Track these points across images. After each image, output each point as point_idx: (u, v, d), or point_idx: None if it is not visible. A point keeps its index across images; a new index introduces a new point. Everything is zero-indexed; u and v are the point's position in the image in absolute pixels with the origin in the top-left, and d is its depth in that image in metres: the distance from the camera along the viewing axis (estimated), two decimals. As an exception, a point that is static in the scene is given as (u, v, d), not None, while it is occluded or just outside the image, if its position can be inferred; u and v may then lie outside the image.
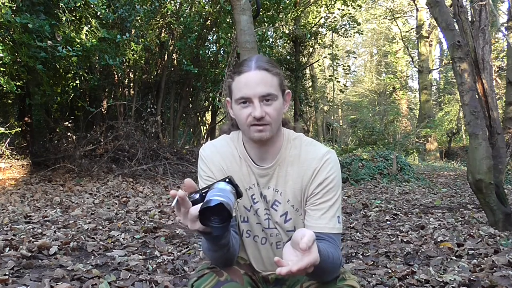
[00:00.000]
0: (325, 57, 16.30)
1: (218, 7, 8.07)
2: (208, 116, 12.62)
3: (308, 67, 14.53)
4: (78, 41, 5.77)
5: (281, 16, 9.62)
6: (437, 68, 21.42)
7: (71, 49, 5.46)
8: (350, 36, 12.89)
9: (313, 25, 12.37)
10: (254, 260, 1.27)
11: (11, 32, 5.29)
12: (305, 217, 1.17)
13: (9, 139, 6.48)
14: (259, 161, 1.19)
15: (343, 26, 12.31)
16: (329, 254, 1.02)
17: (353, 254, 2.87)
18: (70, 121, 7.73)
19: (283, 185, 1.18)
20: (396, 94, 20.67)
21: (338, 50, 14.89)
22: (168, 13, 8.06)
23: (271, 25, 9.09)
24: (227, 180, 0.94)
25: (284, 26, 10.60)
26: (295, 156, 1.18)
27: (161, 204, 4.87)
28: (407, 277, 2.28)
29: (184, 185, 0.94)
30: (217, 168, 1.20)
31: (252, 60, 1.12)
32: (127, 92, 8.78)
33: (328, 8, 11.70)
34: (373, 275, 2.34)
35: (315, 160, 1.15)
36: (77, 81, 6.78)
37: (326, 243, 1.08)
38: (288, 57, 12.42)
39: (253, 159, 1.20)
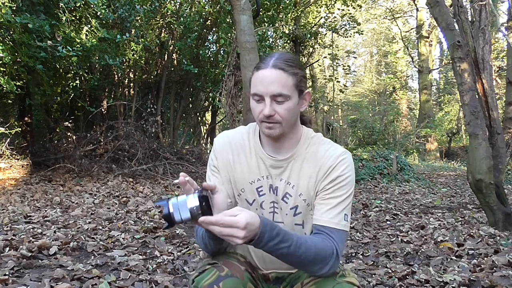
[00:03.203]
0: (325, 57, 16.30)
1: (218, 7, 8.07)
2: (208, 116, 12.61)
3: (308, 67, 14.52)
4: (78, 41, 5.77)
5: (281, 16, 9.62)
6: (437, 68, 21.41)
7: (71, 49, 5.46)
8: (350, 36, 12.88)
9: (313, 25, 12.36)
10: (256, 257, 1.28)
11: (11, 32, 5.28)
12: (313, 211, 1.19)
13: (9, 139, 6.47)
14: (274, 153, 1.22)
15: (343, 26, 12.31)
16: (308, 245, 1.04)
17: (353, 254, 2.87)
18: (70, 121, 7.73)
19: (296, 179, 1.20)
20: (396, 94, 20.66)
21: (338, 50, 14.89)
22: (168, 13, 8.05)
23: (271, 25, 9.08)
24: (199, 194, 0.97)
25: (284, 26, 10.59)
26: (312, 153, 1.20)
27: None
28: (407, 277, 2.28)
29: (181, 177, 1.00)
30: (223, 159, 1.25)
31: (272, 57, 1.13)
32: (127, 92, 8.78)
33: (328, 8, 11.70)
34: (373, 275, 2.34)
35: (332, 158, 1.17)
36: (77, 81, 6.78)
37: (319, 236, 1.11)
38: (288, 57, 12.39)
39: (268, 150, 1.22)
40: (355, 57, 24.39)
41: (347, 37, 12.92)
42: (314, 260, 1.06)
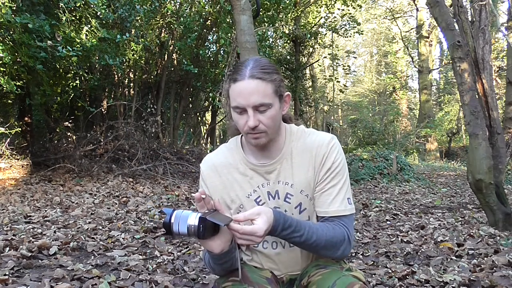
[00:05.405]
0: (325, 57, 16.31)
1: (218, 7, 8.07)
2: (208, 116, 12.63)
3: (308, 67, 14.53)
4: (78, 41, 5.76)
5: (281, 16, 9.62)
6: (437, 68, 21.42)
7: (71, 49, 5.46)
8: (350, 36, 12.88)
9: (313, 25, 12.37)
10: (270, 268, 1.28)
11: (11, 32, 5.28)
12: (315, 203, 1.20)
13: (9, 139, 6.47)
14: (264, 160, 1.22)
15: (343, 26, 12.32)
16: (319, 234, 1.10)
17: (353, 254, 2.87)
18: (70, 121, 7.72)
19: (291, 177, 1.20)
20: (396, 94, 20.66)
21: (338, 50, 14.89)
22: (168, 13, 8.05)
23: (271, 25, 9.08)
24: (202, 215, 0.98)
25: (284, 26, 10.60)
26: (301, 146, 1.21)
27: (161, 204, 4.87)
28: (407, 277, 2.28)
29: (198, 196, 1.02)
30: (212, 185, 1.26)
31: (247, 66, 1.10)
32: (127, 92, 8.78)
33: (328, 8, 11.71)
34: (373, 275, 2.34)
35: (323, 146, 1.19)
36: (77, 81, 6.77)
37: (330, 223, 1.15)
38: (288, 57, 12.42)
39: (257, 158, 1.22)
40: (355, 57, 24.41)
41: (347, 37, 12.92)
42: (326, 247, 1.12)
